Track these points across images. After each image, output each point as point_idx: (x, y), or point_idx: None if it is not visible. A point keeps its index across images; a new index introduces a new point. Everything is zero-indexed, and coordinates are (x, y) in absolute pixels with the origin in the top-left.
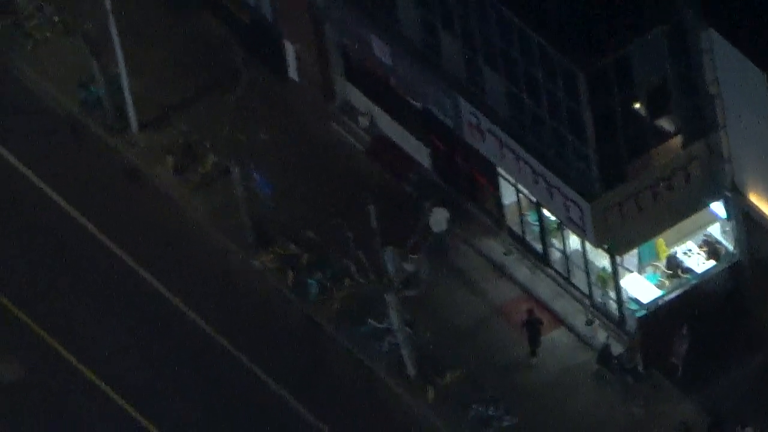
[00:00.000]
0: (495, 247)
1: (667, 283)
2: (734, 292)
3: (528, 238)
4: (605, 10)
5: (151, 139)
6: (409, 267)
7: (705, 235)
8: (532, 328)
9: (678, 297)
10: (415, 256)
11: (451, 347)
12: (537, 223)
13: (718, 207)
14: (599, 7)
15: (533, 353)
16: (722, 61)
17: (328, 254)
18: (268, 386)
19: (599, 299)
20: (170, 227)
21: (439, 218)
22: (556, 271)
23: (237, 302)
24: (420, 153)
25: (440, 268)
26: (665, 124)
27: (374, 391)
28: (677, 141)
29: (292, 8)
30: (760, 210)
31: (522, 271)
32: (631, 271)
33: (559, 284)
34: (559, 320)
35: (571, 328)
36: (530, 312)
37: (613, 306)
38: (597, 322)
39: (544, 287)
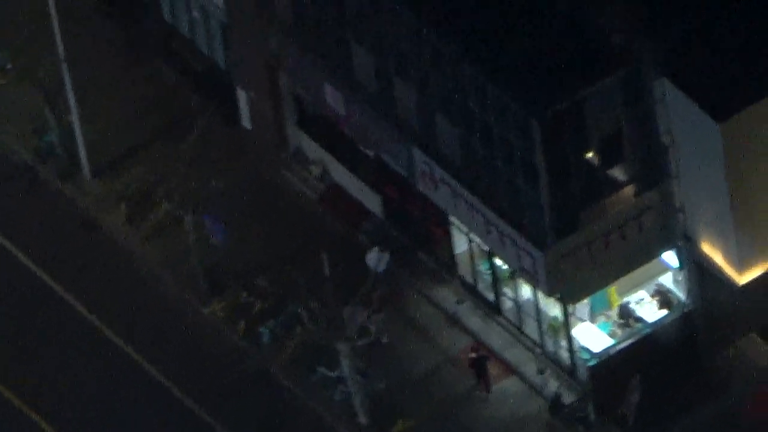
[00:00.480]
0: (447, 295)
1: (619, 332)
2: (686, 341)
3: (480, 287)
4: (559, 57)
5: (104, 187)
6: (369, 324)
7: (657, 285)
8: (480, 365)
9: (630, 346)
10: (377, 315)
11: (404, 396)
12: (489, 271)
13: (670, 256)
14: (553, 54)
15: (486, 389)
16: (676, 110)
17: (281, 302)
18: None
19: (551, 348)
20: (123, 275)
21: (377, 257)
22: (508, 320)
23: (189, 350)
24: (372, 201)
25: (393, 316)
26: (618, 172)
27: None
28: (630, 190)
29: (246, 56)
30: (712, 260)
31: (474, 320)
32: (584, 320)
33: (511, 333)
34: (510, 369)
35: (522, 377)
36: (475, 349)
37: (564, 355)
38: (548, 371)
39: (496, 336)
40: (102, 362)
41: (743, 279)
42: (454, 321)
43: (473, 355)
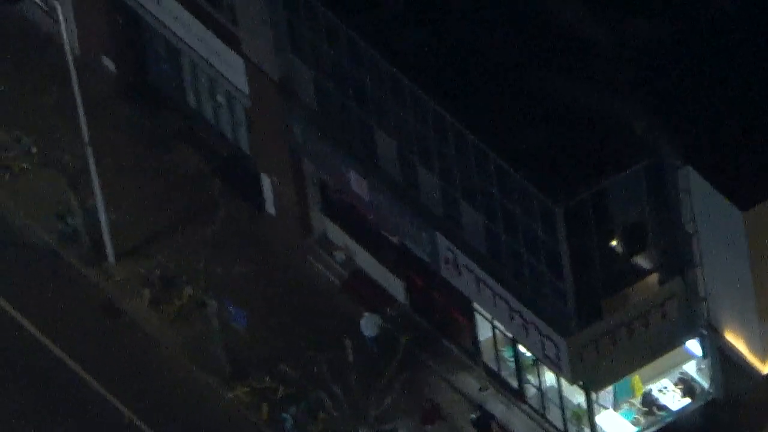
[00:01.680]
0: (471, 382)
1: (642, 420)
2: (709, 430)
3: (504, 373)
4: (583, 146)
5: (128, 271)
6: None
7: (680, 373)
8: (484, 424)
9: None
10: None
11: None
12: (513, 358)
13: (693, 345)
14: (577, 143)
15: None
16: (700, 198)
17: (304, 388)
18: None
19: None
20: (146, 359)
21: (370, 323)
22: (531, 407)
23: None
24: (396, 287)
25: (415, 402)
26: (642, 261)
27: None
28: (654, 278)
29: (270, 142)
30: (735, 348)
31: (497, 406)
32: (607, 408)
33: (535, 420)
34: None
35: None
36: (480, 408)
37: None
38: None
39: (520, 423)
40: None
41: (767, 368)
42: (477, 408)
43: (478, 413)
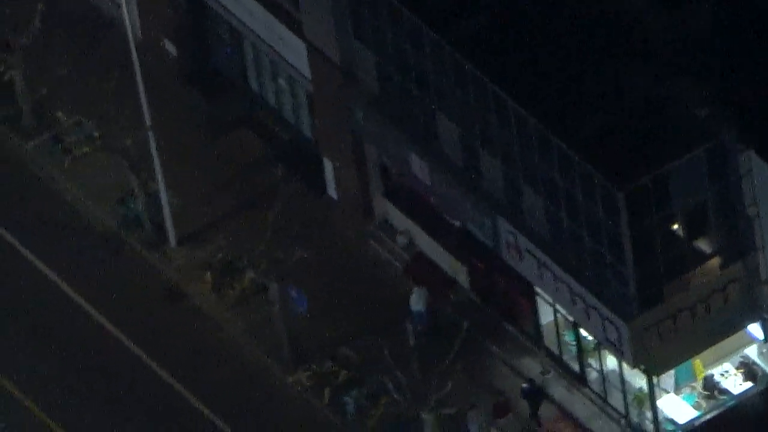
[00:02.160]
0: (533, 366)
1: (703, 404)
2: None
3: (565, 357)
4: (645, 130)
5: (189, 255)
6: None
7: (742, 357)
8: (533, 394)
9: (715, 418)
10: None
11: None
12: (574, 342)
13: (755, 329)
14: (639, 128)
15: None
16: (761, 182)
17: (365, 372)
18: None
19: (636, 419)
20: (208, 343)
21: (418, 298)
22: (593, 390)
23: (274, 419)
24: (458, 272)
25: (476, 386)
26: (703, 245)
27: None
28: (715, 262)
29: (332, 126)
30: None
31: (559, 390)
32: (668, 392)
33: (596, 404)
34: None
35: None
36: (530, 380)
37: (649, 426)
38: None
39: (581, 407)
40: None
41: None
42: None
43: (528, 386)
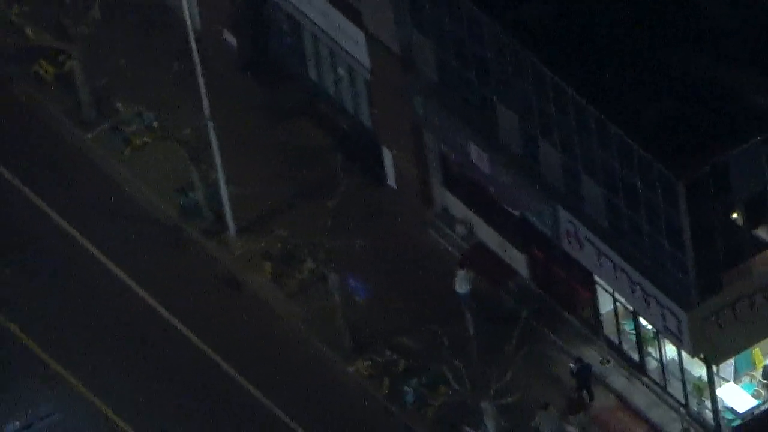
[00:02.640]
0: (592, 355)
1: (763, 392)
2: None
3: (625, 346)
4: (704, 119)
5: (249, 245)
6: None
7: None
8: (582, 374)
9: None
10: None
11: None
12: (634, 331)
13: None
14: (698, 116)
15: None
16: None
17: (425, 361)
18: None
19: (695, 408)
20: (267, 333)
21: (462, 280)
22: (652, 379)
23: (334, 408)
24: (517, 261)
25: (536, 375)
26: (763, 233)
27: None
28: None
29: (391, 115)
30: None
31: (619, 379)
32: (728, 381)
33: (655, 393)
34: (655, 429)
35: None
36: (579, 360)
37: (709, 415)
38: (692, 431)
39: (640, 396)
40: (250, 422)
41: None
42: (598, 380)
43: (577, 364)
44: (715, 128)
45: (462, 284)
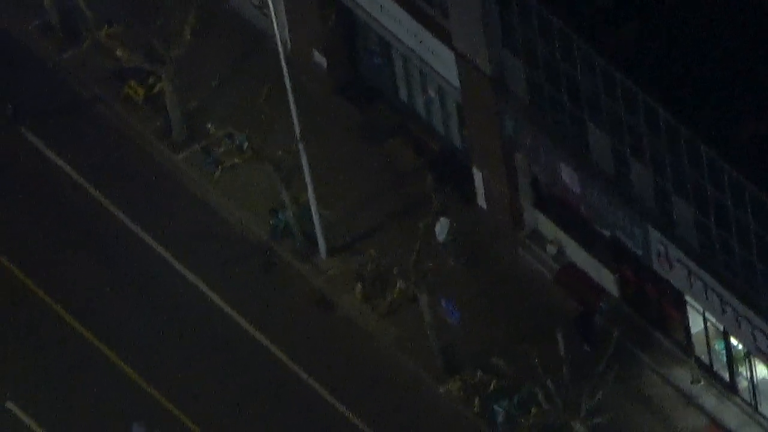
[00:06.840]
0: (683, 375)
1: None
2: None
3: (715, 366)
4: None
5: (340, 266)
6: None
7: None
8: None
9: None
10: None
11: None
12: (724, 351)
13: None
14: None
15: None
16: None
17: (516, 381)
18: None
19: None
20: (359, 353)
21: (441, 227)
22: (743, 399)
23: (425, 429)
24: (608, 281)
25: (628, 395)
26: None
27: None
28: None
29: (482, 136)
30: None
31: (709, 399)
32: None
33: (746, 413)
34: None
35: None
36: (582, 311)
37: None
38: None
39: (731, 416)
40: None
41: None
42: (689, 401)
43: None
44: None
45: (441, 232)
